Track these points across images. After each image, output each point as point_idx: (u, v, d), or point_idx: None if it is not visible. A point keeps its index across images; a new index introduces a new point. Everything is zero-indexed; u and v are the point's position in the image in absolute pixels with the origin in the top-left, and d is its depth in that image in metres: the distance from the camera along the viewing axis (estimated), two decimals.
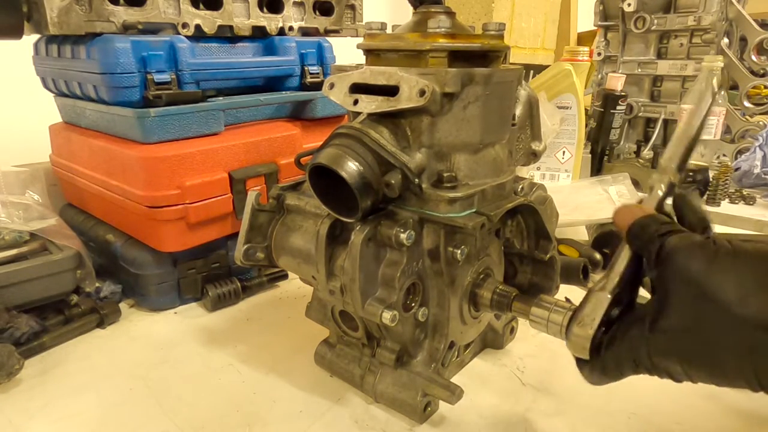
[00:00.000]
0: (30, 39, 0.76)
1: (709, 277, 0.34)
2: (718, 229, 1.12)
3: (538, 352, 0.61)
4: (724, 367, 0.34)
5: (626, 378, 0.40)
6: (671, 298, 0.36)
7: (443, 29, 0.44)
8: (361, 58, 0.52)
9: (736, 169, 1.19)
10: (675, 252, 0.37)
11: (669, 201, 0.44)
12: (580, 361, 0.42)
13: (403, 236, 0.44)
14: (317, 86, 0.82)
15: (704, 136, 1.13)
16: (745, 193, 1.14)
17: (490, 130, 0.48)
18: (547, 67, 1.04)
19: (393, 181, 0.43)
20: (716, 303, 0.33)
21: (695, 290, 0.35)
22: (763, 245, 0.36)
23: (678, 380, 0.37)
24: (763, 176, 1.16)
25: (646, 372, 0.38)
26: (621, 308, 0.40)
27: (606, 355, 0.40)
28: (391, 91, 0.44)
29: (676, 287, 0.36)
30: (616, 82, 1.21)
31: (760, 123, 1.27)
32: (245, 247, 0.53)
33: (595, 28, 1.52)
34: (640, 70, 1.41)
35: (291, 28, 0.82)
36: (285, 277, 0.78)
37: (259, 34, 0.79)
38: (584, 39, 2.33)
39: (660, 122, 1.38)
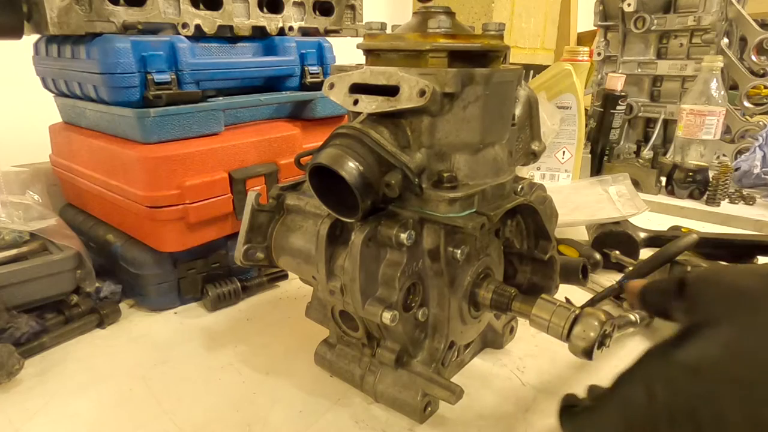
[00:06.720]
0: (30, 39, 0.76)
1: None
2: (718, 229, 1.11)
3: (538, 352, 0.61)
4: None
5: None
6: (711, 315, 0.29)
7: (443, 29, 0.44)
8: (361, 58, 0.52)
9: (736, 169, 1.19)
10: (713, 274, 0.32)
11: None
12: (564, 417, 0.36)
13: (403, 236, 0.44)
14: (317, 86, 0.82)
15: (704, 137, 1.13)
16: (745, 193, 1.14)
17: (490, 130, 0.48)
18: (547, 67, 1.04)
19: (393, 181, 0.43)
20: None
21: (746, 305, 0.28)
22: None
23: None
24: (763, 176, 1.16)
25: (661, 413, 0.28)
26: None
27: (615, 387, 0.32)
28: (391, 91, 0.44)
29: (718, 304, 0.29)
30: (616, 82, 1.21)
31: (760, 123, 1.27)
32: (245, 247, 0.53)
33: (595, 28, 1.52)
34: (640, 70, 1.41)
35: (291, 28, 0.82)
36: (285, 277, 0.78)
37: (259, 34, 0.79)
38: (584, 39, 2.33)
39: (660, 122, 1.38)
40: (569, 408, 0.37)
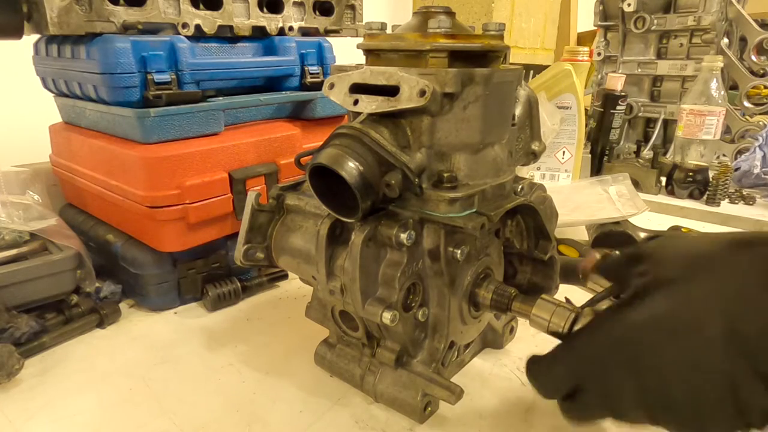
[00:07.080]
0: (30, 39, 0.76)
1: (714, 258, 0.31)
2: (718, 229, 1.11)
3: (538, 352, 0.61)
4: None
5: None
6: (666, 276, 0.32)
7: (443, 29, 0.44)
8: (361, 58, 0.52)
9: (736, 169, 1.19)
10: (668, 241, 0.37)
11: None
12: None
13: (403, 236, 0.44)
14: (317, 86, 0.82)
15: (704, 137, 1.13)
16: (744, 193, 1.15)
17: (490, 130, 0.48)
18: (547, 67, 1.04)
19: (393, 181, 0.43)
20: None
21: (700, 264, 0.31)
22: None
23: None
24: (762, 176, 1.16)
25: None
26: None
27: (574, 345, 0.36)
28: (391, 91, 0.44)
29: (673, 266, 0.32)
30: (616, 82, 1.21)
31: (760, 123, 1.27)
32: (245, 247, 0.53)
33: (595, 28, 1.52)
34: (640, 70, 1.41)
35: (291, 28, 0.82)
36: (285, 277, 0.78)
37: (259, 34, 0.79)
38: (584, 39, 2.33)
39: (660, 122, 1.39)
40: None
